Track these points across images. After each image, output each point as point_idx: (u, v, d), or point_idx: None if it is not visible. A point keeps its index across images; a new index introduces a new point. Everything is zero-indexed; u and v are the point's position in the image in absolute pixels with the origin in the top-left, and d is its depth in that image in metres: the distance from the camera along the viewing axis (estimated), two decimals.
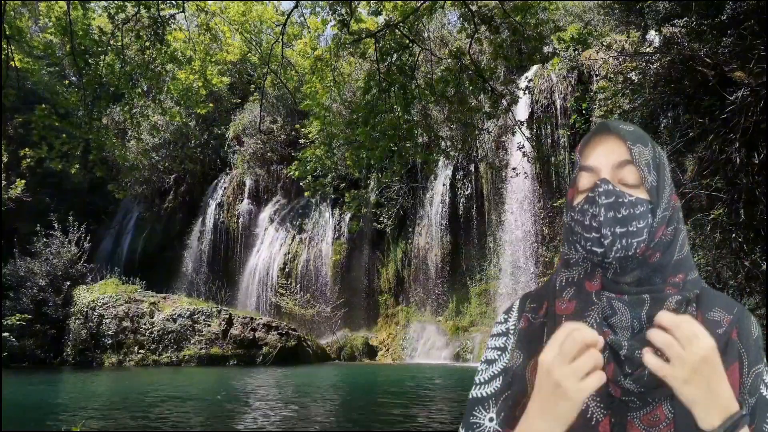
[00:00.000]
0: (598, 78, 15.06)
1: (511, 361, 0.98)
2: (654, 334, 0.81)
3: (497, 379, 0.99)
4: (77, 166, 9.71)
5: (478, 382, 1.01)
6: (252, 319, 17.40)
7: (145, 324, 16.88)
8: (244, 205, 25.74)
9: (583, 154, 0.96)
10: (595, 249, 0.89)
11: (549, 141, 17.56)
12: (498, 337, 1.03)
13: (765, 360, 0.91)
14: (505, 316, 1.05)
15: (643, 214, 0.88)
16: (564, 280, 0.95)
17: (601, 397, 0.88)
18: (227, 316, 17.09)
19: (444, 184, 20.27)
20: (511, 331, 1.02)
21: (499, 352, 1.01)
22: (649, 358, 0.80)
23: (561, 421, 0.80)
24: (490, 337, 1.05)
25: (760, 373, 0.89)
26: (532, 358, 0.94)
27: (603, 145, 0.93)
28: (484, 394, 0.98)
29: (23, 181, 17.86)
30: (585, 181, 0.93)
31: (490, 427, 0.95)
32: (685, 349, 0.78)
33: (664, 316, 0.81)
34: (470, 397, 1.00)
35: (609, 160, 0.92)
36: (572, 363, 0.78)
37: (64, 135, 8.94)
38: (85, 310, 16.99)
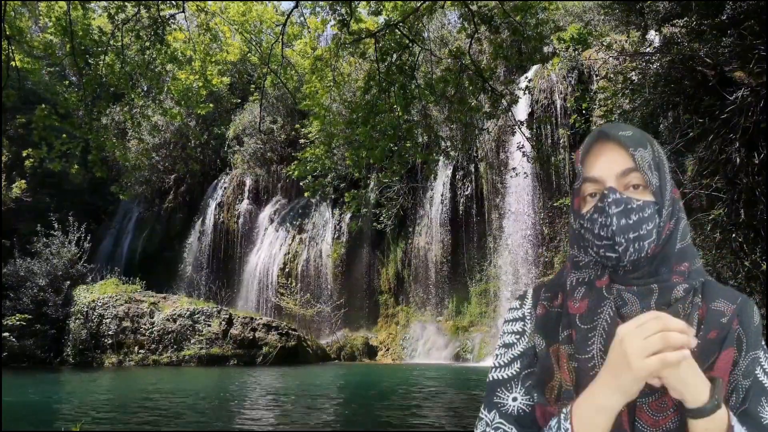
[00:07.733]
0: (598, 78, 15.05)
1: (530, 344, 1.01)
2: None
3: (517, 361, 1.01)
4: (76, 166, 9.70)
5: (498, 365, 1.03)
6: (252, 319, 17.40)
7: (145, 324, 16.88)
8: (244, 205, 25.74)
9: (585, 163, 0.97)
10: (609, 254, 0.92)
11: (549, 141, 17.55)
12: (514, 322, 1.05)
13: (764, 346, 0.95)
14: (520, 303, 1.08)
15: (651, 216, 0.92)
16: (575, 281, 0.97)
17: None
18: (227, 316, 17.09)
19: (444, 184, 20.27)
20: (528, 317, 1.04)
21: (517, 336, 1.03)
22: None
23: (622, 390, 0.83)
24: (505, 322, 1.07)
25: (757, 357, 0.93)
26: (552, 344, 0.97)
27: (605, 155, 0.95)
28: (506, 376, 1.00)
29: (23, 181, 17.86)
30: (590, 189, 0.96)
31: (514, 407, 0.97)
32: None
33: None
34: (490, 379, 1.02)
35: (613, 170, 0.93)
36: (645, 339, 0.80)
37: (64, 135, 8.93)
38: (85, 310, 16.99)
